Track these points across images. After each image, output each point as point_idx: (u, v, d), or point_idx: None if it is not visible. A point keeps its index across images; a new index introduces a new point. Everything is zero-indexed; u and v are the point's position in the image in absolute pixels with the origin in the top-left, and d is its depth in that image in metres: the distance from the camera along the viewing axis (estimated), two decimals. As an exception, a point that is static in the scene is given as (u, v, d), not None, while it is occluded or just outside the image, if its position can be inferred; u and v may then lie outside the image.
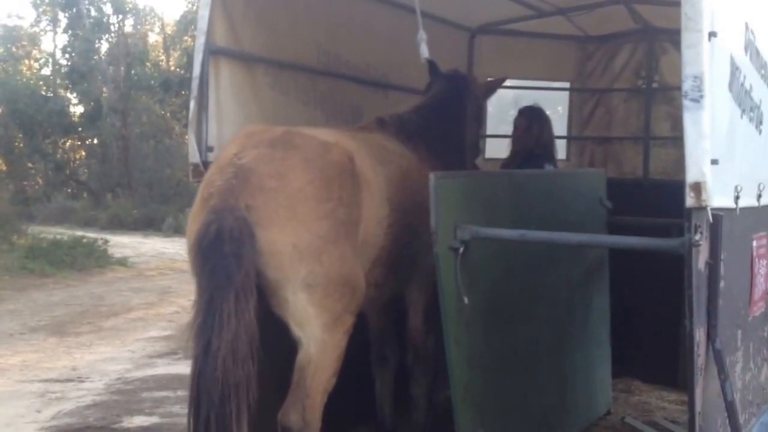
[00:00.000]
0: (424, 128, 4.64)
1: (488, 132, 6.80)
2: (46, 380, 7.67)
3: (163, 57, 35.99)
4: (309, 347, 3.35)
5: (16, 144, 33.58)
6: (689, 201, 2.86)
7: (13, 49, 37.33)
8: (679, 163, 3.05)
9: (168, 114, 33.67)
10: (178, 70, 32.02)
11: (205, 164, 4.21)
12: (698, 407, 3.13)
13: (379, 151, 4.09)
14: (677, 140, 6.18)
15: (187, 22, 31.24)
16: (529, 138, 5.76)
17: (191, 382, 3.06)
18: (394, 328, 4.69)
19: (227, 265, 3.01)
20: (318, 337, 3.34)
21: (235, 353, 2.99)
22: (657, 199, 5.31)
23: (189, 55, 27.02)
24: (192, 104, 4.24)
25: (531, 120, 5.83)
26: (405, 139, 4.48)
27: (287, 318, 3.33)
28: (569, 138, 7.16)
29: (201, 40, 4.24)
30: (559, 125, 7.29)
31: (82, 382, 7.63)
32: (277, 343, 3.37)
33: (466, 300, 3.58)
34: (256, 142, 3.41)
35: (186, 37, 31.62)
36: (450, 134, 4.87)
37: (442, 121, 4.81)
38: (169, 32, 36.15)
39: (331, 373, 3.44)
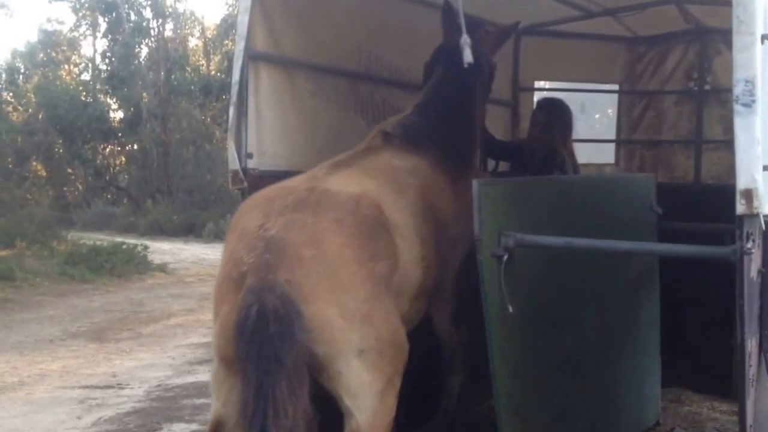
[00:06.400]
0: (430, 130, 4.31)
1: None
2: (87, 386, 7.72)
3: (203, 61, 36.34)
4: (360, 417, 3.06)
5: (56, 150, 34.14)
6: (740, 208, 2.81)
7: (53, 54, 37.97)
8: (733, 167, 2.98)
9: (208, 119, 33.95)
10: (218, 74, 32.33)
11: (245, 171, 4.18)
12: (749, 419, 3.06)
13: (394, 179, 3.84)
14: (730, 144, 6.05)
15: (227, 26, 31.54)
16: (551, 136, 5.59)
17: None
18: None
19: (275, 348, 2.75)
20: (370, 405, 3.08)
21: None
22: (709, 204, 5.17)
23: (230, 59, 27.13)
24: (231, 110, 4.21)
25: (551, 114, 5.66)
26: (413, 148, 4.17)
27: (339, 390, 3.05)
28: (618, 142, 7.02)
29: (240, 46, 4.20)
30: (609, 128, 7.16)
31: (122, 388, 7.65)
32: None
33: (510, 308, 3.49)
34: (280, 208, 3.13)
35: (227, 41, 31.90)
36: (459, 125, 4.48)
37: (447, 113, 4.43)
38: (210, 36, 36.49)
39: None
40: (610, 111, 7.82)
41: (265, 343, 2.75)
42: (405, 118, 4.36)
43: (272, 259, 2.90)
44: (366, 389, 3.06)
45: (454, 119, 4.45)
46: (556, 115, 5.66)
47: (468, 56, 4.28)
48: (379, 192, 3.57)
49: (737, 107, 2.81)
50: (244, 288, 2.89)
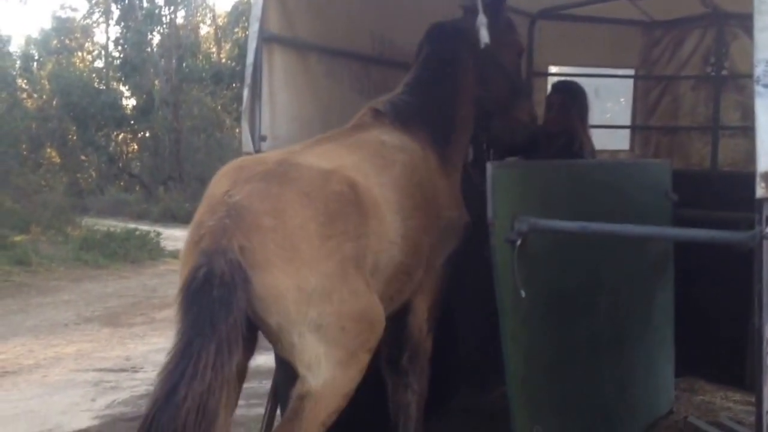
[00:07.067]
0: (418, 109, 4.19)
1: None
2: (101, 370, 7.79)
3: (214, 49, 36.30)
4: (314, 381, 3.03)
5: (70, 136, 34.24)
6: (760, 191, 2.75)
7: (67, 42, 38.04)
8: (750, 154, 2.93)
9: (219, 107, 33.95)
10: (229, 62, 32.26)
11: (259, 154, 4.16)
12: (766, 406, 2.99)
13: (379, 154, 3.75)
14: (748, 130, 5.98)
15: (238, 14, 31.46)
16: (567, 119, 5.52)
17: (141, 427, 2.68)
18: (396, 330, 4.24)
19: (213, 311, 2.70)
20: (328, 372, 3.03)
21: (202, 409, 2.63)
22: (726, 191, 5.12)
23: (240, 47, 27.28)
24: (246, 92, 4.17)
25: (566, 96, 5.60)
26: (401, 126, 4.07)
27: (294, 361, 3.02)
28: (633, 127, 6.94)
29: (255, 27, 4.17)
30: (622, 116, 7.09)
31: (136, 372, 7.72)
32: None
33: (523, 294, 3.44)
34: (248, 177, 3.09)
35: (237, 29, 31.84)
36: (447, 104, 4.33)
37: (435, 92, 4.30)
38: (221, 24, 36.44)
39: (333, 408, 3.10)
40: (622, 99, 7.70)
41: (205, 306, 2.72)
42: (394, 96, 4.26)
43: (230, 223, 2.87)
44: (322, 360, 3.00)
45: (441, 100, 4.31)
46: (570, 96, 5.60)
47: (484, 36, 4.19)
48: (358, 167, 3.48)
49: (758, 88, 2.74)
50: (199, 250, 2.87)
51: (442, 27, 4.51)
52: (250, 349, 3.14)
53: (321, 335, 2.98)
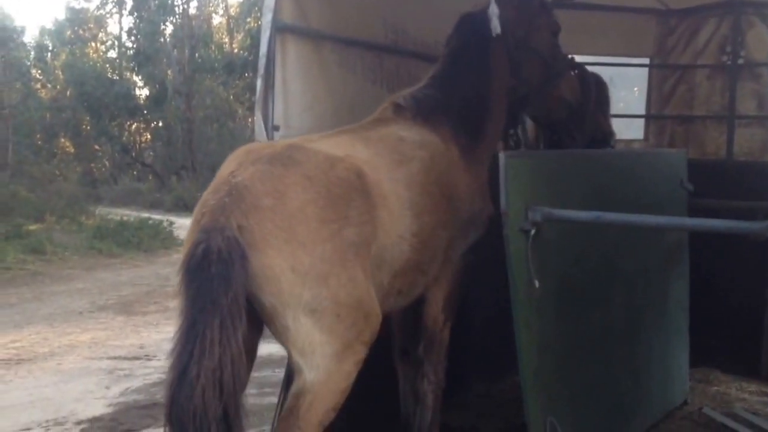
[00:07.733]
0: (442, 103, 4.10)
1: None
2: (115, 358, 7.85)
3: (226, 39, 36.32)
4: (310, 375, 3.01)
5: (84, 126, 34.41)
6: None
7: (80, 32, 38.21)
8: (766, 143, 2.89)
9: (231, 97, 33.99)
10: (241, 52, 32.25)
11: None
12: None
13: (396, 150, 3.70)
14: (764, 120, 5.94)
15: (250, 4, 31.43)
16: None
17: (165, 413, 2.75)
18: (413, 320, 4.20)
19: (213, 287, 2.73)
20: (323, 365, 3.01)
21: (217, 384, 2.68)
22: (742, 181, 5.09)
23: (253, 37, 27.22)
24: (259, 82, 4.16)
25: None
26: (423, 122, 3.99)
27: (288, 345, 3.00)
28: (648, 117, 6.87)
29: (268, 17, 4.14)
30: (636, 105, 7.02)
31: (149, 360, 7.77)
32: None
33: (537, 284, 3.43)
34: (254, 159, 3.12)
35: (249, 19, 31.81)
36: (475, 98, 4.21)
37: (462, 86, 4.20)
38: (233, 14, 36.45)
39: (330, 406, 3.07)
40: (636, 89, 7.61)
41: (205, 282, 2.74)
42: (418, 90, 4.19)
43: (230, 202, 2.90)
44: (317, 349, 2.98)
45: (470, 92, 4.21)
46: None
47: (496, 26, 4.14)
48: (370, 159, 3.46)
49: (774, 77, 2.71)
50: (199, 227, 2.91)
51: (472, 18, 4.40)
52: (257, 327, 3.13)
53: (316, 320, 2.96)
